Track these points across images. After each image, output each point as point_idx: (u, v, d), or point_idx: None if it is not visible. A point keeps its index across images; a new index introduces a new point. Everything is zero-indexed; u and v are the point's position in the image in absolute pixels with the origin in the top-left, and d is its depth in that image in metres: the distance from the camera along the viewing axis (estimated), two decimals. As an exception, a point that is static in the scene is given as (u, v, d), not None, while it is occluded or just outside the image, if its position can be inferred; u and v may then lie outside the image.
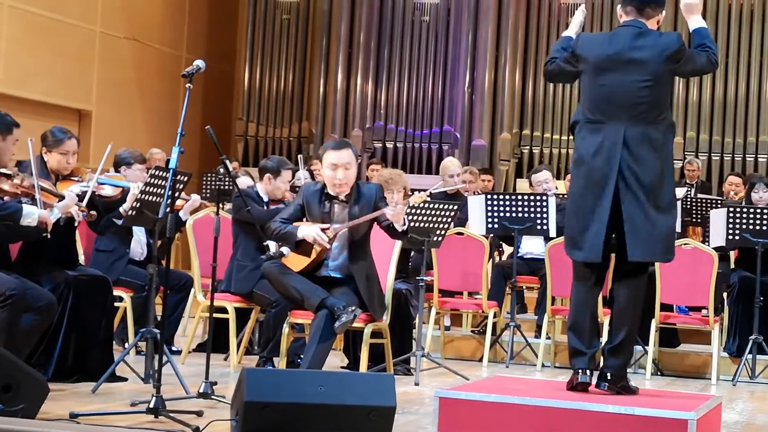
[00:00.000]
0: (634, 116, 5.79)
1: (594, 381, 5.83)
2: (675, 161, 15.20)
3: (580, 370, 5.80)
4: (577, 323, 5.91)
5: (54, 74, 14.82)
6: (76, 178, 6.97)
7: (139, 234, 8.48)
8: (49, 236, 6.40)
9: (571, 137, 15.56)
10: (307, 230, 6.89)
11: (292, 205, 7.22)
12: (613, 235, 5.85)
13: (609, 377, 5.76)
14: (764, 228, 8.96)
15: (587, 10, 6.81)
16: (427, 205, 8.11)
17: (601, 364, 5.91)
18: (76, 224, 6.91)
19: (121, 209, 7.51)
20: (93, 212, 6.83)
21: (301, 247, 6.93)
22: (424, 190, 8.40)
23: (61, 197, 6.61)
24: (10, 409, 5.01)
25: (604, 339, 7.30)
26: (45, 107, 14.54)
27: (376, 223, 7.07)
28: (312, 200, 7.10)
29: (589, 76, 5.92)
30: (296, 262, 6.97)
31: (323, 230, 6.89)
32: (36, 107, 14.25)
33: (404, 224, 6.95)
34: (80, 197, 6.74)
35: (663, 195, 5.82)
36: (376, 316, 7.09)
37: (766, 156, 15.54)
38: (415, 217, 8.01)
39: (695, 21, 5.98)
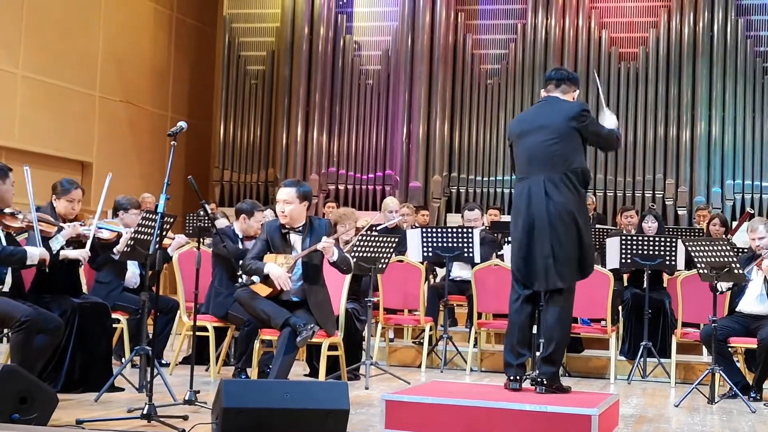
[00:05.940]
0: (549, 168, 5.88)
1: (522, 386, 5.94)
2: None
3: (510, 378, 5.95)
4: (512, 341, 6.01)
5: (60, 131, 14.69)
6: (79, 223, 6.93)
7: (132, 266, 8.40)
8: (47, 270, 6.40)
9: (491, 178, 15.78)
10: (274, 271, 6.86)
11: (259, 242, 7.14)
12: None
13: (544, 382, 5.85)
14: (650, 253, 9.04)
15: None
16: (373, 238, 8.11)
17: (537, 371, 5.94)
18: (81, 266, 6.91)
19: (115, 250, 7.51)
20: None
21: (269, 279, 6.90)
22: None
23: (59, 228, 6.59)
24: (25, 417, 4.96)
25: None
26: (53, 159, 14.40)
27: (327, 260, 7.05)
28: (274, 234, 7.08)
29: (515, 145, 6.11)
30: (264, 289, 6.93)
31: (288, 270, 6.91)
32: (45, 159, 14.10)
33: (333, 255, 6.93)
34: (83, 240, 6.75)
35: (576, 231, 5.89)
36: (329, 333, 7.06)
37: (651, 192, 15.67)
38: (363, 248, 8.01)
39: (609, 124, 6.17)
